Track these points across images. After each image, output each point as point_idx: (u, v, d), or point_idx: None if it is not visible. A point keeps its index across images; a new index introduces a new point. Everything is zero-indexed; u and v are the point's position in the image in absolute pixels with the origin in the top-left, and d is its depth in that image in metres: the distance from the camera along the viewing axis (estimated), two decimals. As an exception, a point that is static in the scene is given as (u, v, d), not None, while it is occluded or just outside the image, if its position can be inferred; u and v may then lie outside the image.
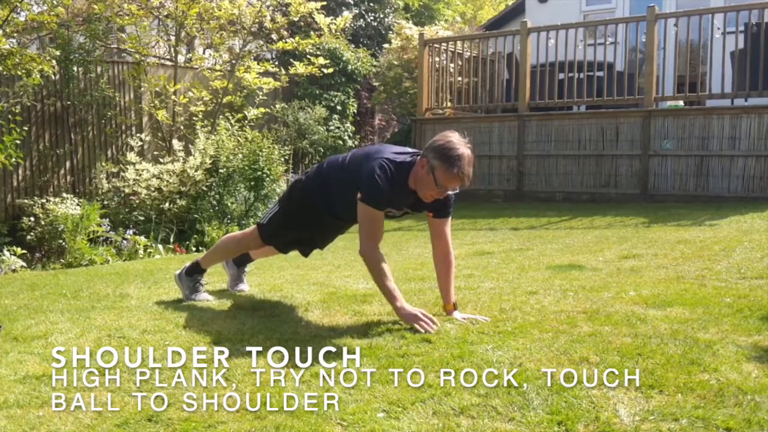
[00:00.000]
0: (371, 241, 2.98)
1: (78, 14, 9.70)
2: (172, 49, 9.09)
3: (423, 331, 2.84)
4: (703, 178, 7.84)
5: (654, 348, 2.58)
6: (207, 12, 8.71)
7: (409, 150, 3.09)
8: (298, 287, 3.95)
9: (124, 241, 7.13)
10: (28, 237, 7.02)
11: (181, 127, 9.05)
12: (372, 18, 13.06)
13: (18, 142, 6.49)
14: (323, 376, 2.43)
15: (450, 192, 2.96)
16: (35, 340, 3.03)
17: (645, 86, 8.28)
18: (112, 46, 9.12)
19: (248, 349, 2.80)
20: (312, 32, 9.99)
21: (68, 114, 8.20)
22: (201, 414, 2.18)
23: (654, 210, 7.24)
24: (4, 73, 7.01)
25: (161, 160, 8.34)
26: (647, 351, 2.55)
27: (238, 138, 8.62)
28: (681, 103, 8.30)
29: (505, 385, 2.28)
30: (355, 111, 12.01)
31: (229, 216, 8.09)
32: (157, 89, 8.82)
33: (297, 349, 2.75)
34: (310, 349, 2.76)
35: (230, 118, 8.88)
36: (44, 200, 7.34)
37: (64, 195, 7.48)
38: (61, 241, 6.85)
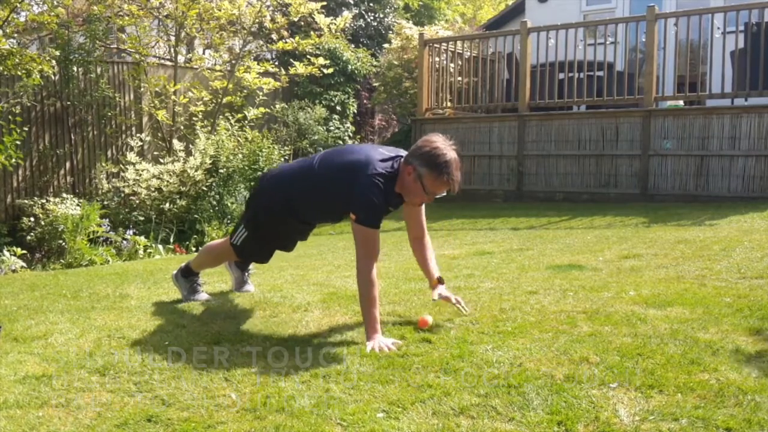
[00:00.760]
0: (370, 260, 2.86)
1: (78, 14, 9.71)
2: (172, 50, 9.09)
3: (382, 352, 2.67)
4: (703, 178, 7.83)
5: (654, 348, 2.58)
6: (207, 12, 8.72)
7: (390, 154, 2.96)
8: (298, 287, 3.95)
9: (124, 242, 7.13)
10: (28, 237, 7.03)
11: (181, 127, 9.05)
12: (372, 18, 13.06)
13: (18, 142, 6.50)
14: (323, 376, 2.43)
15: (438, 195, 2.92)
16: (35, 340, 3.03)
17: (645, 86, 8.28)
18: (112, 46, 9.13)
19: (248, 349, 2.80)
20: (312, 32, 9.99)
21: (68, 114, 8.20)
22: (201, 414, 2.18)
23: (654, 210, 7.24)
24: (4, 73, 7.01)
25: (161, 160, 8.35)
26: (647, 351, 2.55)
27: (238, 138, 8.62)
28: (681, 102, 8.30)
29: (505, 385, 2.28)
30: (355, 111, 12.01)
31: (229, 216, 8.09)
32: (157, 89, 8.82)
33: (297, 349, 2.76)
34: (309, 349, 2.76)
35: (230, 118, 8.88)
36: (44, 200, 7.34)
37: (64, 195, 7.49)
38: (61, 241, 6.86)
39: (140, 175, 7.86)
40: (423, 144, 2.85)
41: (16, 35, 7.91)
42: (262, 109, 9.30)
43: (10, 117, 6.81)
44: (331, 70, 10.01)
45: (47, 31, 8.31)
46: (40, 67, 7.05)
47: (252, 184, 8.22)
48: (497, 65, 9.96)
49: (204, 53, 10.31)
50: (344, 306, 3.43)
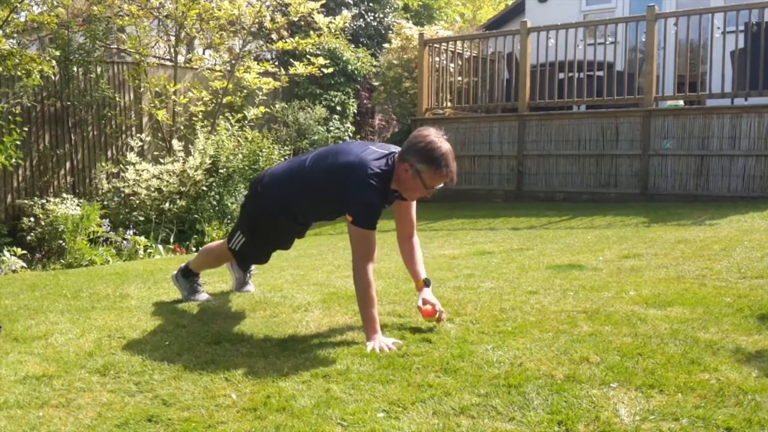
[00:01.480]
0: (366, 261, 2.85)
1: (78, 15, 9.71)
2: (172, 50, 9.09)
3: (382, 352, 2.67)
4: (703, 178, 7.83)
5: (654, 348, 2.58)
6: (207, 12, 8.72)
7: (382, 152, 2.93)
8: (298, 287, 3.95)
9: (124, 242, 7.13)
10: (29, 237, 7.03)
11: (181, 128, 9.05)
12: (372, 18, 13.06)
13: (18, 142, 6.50)
14: (323, 376, 2.43)
15: (437, 187, 2.91)
16: (35, 340, 3.03)
17: (645, 86, 8.28)
18: (112, 46, 9.13)
19: (248, 349, 2.80)
20: (312, 32, 9.99)
21: (68, 114, 8.20)
22: (201, 414, 2.18)
23: (654, 209, 7.24)
24: (4, 73, 7.01)
25: (161, 160, 8.35)
26: (647, 351, 2.55)
27: (238, 138, 8.62)
28: (681, 102, 8.30)
29: (506, 384, 2.27)
30: (355, 111, 12.01)
31: (229, 216, 8.10)
32: (157, 89, 8.82)
33: (297, 349, 2.76)
34: (310, 349, 2.76)
35: (230, 118, 8.88)
36: (44, 201, 7.34)
37: (64, 195, 7.49)
38: (61, 241, 6.86)
39: (140, 175, 7.86)
40: (416, 139, 2.83)
41: (15, 35, 7.91)
42: (262, 108, 9.29)
43: (10, 117, 6.81)
44: (330, 70, 10.01)
45: (47, 31, 8.31)
46: (40, 67, 7.05)
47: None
48: (497, 65, 9.96)
49: (204, 53, 10.31)
50: (344, 306, 3.43)
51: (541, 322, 3.00)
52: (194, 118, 8.95)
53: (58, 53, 7.67)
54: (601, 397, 2.15)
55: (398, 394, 2.25)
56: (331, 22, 9.79)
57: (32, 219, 7.17)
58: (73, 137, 8.25)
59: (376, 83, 12.16)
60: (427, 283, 3.09)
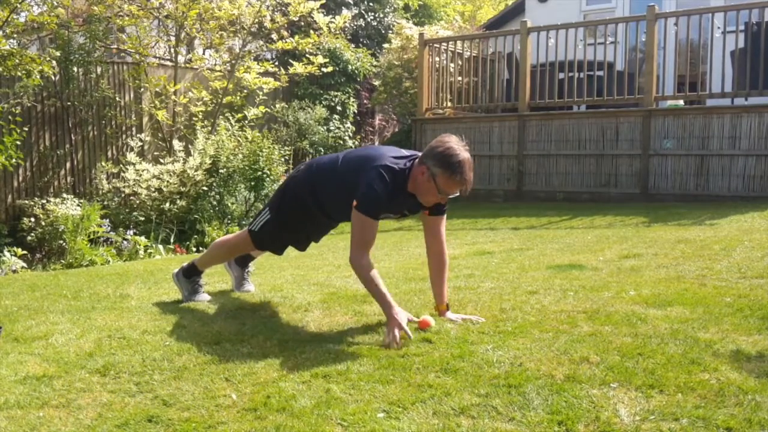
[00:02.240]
0: (362, 249, 2.92)
1: (78, 15, 9.71)
2: (172, 50, 9.09)
3: (392, 345, 2.70)
4: (704, 178, 7.83)
5: (654, 348, 2.58)
6: (207, 12, 8.71)
7: (406, 153, 3.03)
8: (298, 288, 3.95)
9: (125, 242, 7.13)
10: (29, 238, 7.02)
11: (182, 128, 9.05)
12: (372, 18, 13.05)
13: (18, 142, 6.50)
14: (323, 377, 2.43)
15: (451, 196, 2.95)
16: (36, 340, 3.03)
17: (645, 86, 8.28)
18: (112, 46, 9.12)
19: (248, 349, 2.80)
20: (312, 32, 9.98)
21: (68, 114, 8.20)
22: (201, 414, 2.18)
23: (654, 209, 7.24)
24: (5, 74, 7.01)
25: (161, 160, 8.35)
26: (647, 351, 2.55)
27: (239, 138, 8.62)
28: (681, 102, 8.30)
29: (506, 384, 2.28)
30: (356, 111, 12.01)
31: (229, 216, 8.09)
32: (157, 89, 8.82)
33: (297, 350, 2.76)
34: (310, 349, 2.76)
35: (230, 118, 8.88)
36: (44, 201, 7.34)
37: (65, 195, 7.48)
38: (61, 241, 6.86)
39: (140, 175, 7.86)
40: (437, 144, 2.88)
41: (16, 36, 7.91)
42: (262, 108, 9.29)
43: (10, 117, 6.81)
44: (330, 69, 10.00)
45: (47, 31, 8.31)
46: (40, 67, 7.05)
47: (252, 184, 8.22)
48: (497, 65, 9.96)
49: (204, 53, 10.31)
50: (344, 306, 3.43)
51: (541, 322, 3.00)
52: (194, 118, 8.95)
53: (58, 53, 7.67)
54: (601, 397, 2.15)
55: (398, 394, 2.25)
56: (331, 22, 9.79)
57: (32, 219, 7.17)
58: (73, 137, 8.25)
59: (376, 83, 12.16)
60: (448, 307, 3.14)
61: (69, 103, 8.13)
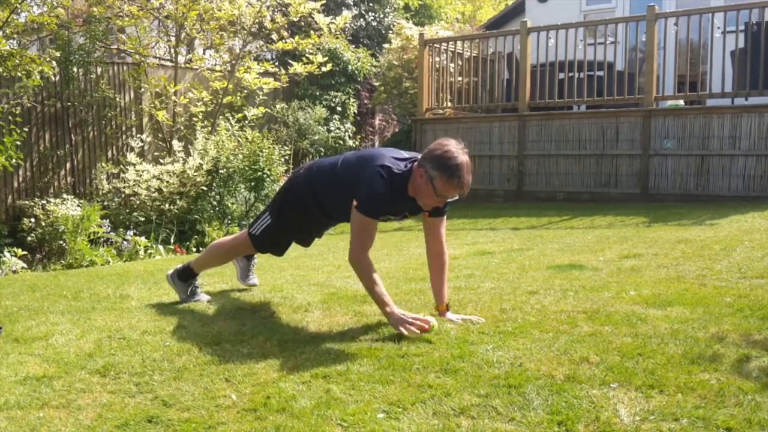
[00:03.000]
0: (362, 249, 2.93)
1: (78, 15, 9.71)
2: (172, 50, 9.09)
3: (413, 334, 2.76)
4: (704, 178, 7.83)
5: (654, 348, 2.58)
6: (207, 13, 8.71)
7: (406, 155, 3.03)
8: (298, 288, 3.95)
9: (125, 242, 7.13)
10: (29, 238, 7.03)
11: (182, 128, 9.05)
12: (372, 18, 13.05)
13: (18, 143, 6.50)
14: (323, 377, 2.43)
15: (450, 199, 2.95)
16: (36, 341, 3.03)
17: (645, 86, 8.28)
18: (112, 47, 9.13)
19: (248, 349, 2.80)
20: (312, 32, 9.99)
21: (68, 115, 8.20)
22: (201, 415, 2.18)
23: (654, 209, 7.24)
24: (5, 74, 7.02)
25: (161, 160, 8.35)
26: (648, 351, 2.55)
27: (239, 138, 8.62)
28: (681, 102, 8.30)
29: (506, 385, 2.27)
30: (356, 111, 12.01)
31: (229, 216, 8.09)
32: (157, 90, 8.82)
33: (297, 350, 2.76)
34: (310, 349, 2.76)
35: (230, 118, 8.88)
36: (45, 201, 7.34)
37: (65, 196, 7.48)
38: (61, 242, 6.86)
39: (140, 175, 7.86)
40: (435, 147, 2.88)
41: (16, 36, 7.91)
42: (262, 109, 9.29)
43: (10, 118, 6.82)
44: (329, 68, 10.00)
45: (47, 32, 8.31)
46: (40, 68, 7.05)
47: (252, 184, 8.22)
48: (497, 65, 9.96)
49: (204, 54, 10.31)
50: (345, 306, 3.43)
51: (542, 322, 3.00)
52: (194, 119, 8.95)
53: (58, 54, 7.67)
54: (601, 398, 2.15)
55: (398, 395, 2.25)
56: (331, 23, 9.79)
57: (32, 220, 7.17)
58: (73, 138, 8.25)
59: (376, 83, 12.16)
60: (448, 307, 3.14)
61: (69, 104, 8.13)
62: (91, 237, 7.00)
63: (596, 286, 3.64)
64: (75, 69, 7.99)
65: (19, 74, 7.00)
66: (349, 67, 11.42)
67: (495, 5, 21.18)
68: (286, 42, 9.44)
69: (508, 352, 2.60)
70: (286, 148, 9.50)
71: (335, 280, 4.21)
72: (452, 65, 10.03)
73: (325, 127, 10.75)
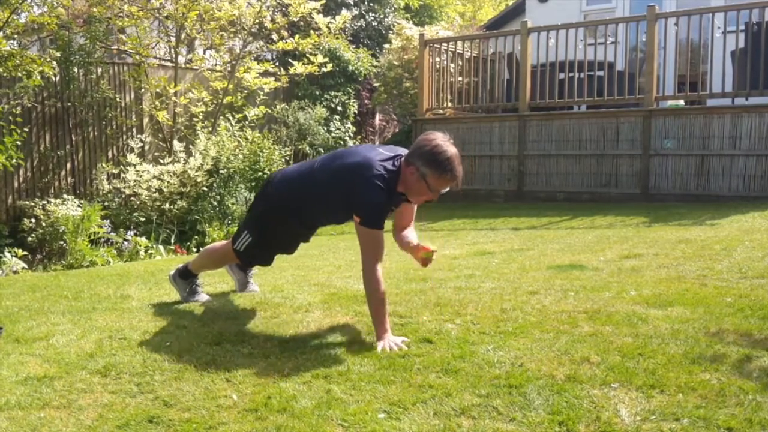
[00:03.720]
0: (375, 262, 2.87)
1: (78, 16, 9.71)
2: (173, 50, 9.09)
3: (391, 348, 2.70)
4: (704, 178, 7.83)
5: (655, 348, 2.58)
6: (207, 13, 8.72)
7: (390, 154, 2.95)
8: (299, 288, 3.95)
9: (125, 242, 7.13)
10: (29, 238, 7.03)
11: (182, 128, 9.05)
12: (372, 18, 13.05)
13: (18, 143, 6.50)
14: (324, 377, 2.43)
15: (443, 191, 2.92)
16: (36, 341, 3.04)
17: (645, 86, 8.28)
18: (112, 47, 9.13)
19: (249, 350, 2.80)
20: (312, 32, 9.99)
21: (69, 115, 8.20)
22: (202, 415, 2.18)
23: (655, 209, 7.23)
24: (5, 74, 7.02)
25: (162, 161, 8.35)
26: (648, 351, 2.55)
27: (239, 139, 8.62)
28: (682, 102, 8.29)
29: (506, 385, 2.27)
30: (356, 111, 12.00)
31: (230, 217, 8.09)
32: (157, 90, 8.82)
33: (298, 350, 2.76)
34: (310, 349, 2.76)
35: (230, 118, 8.88)
36: (45, 202, 7.34)
37: (65, 196, 7.48)
38: (62, 242, 6.86)
39: (141, 176, 7.87)
40: (423, 143, 2.84)
41: (16, 36, 7.91)
42: (262, 109, 9.29)
43: (10, 118, 6.82)
44: (330, 67, 10.01)
45: (48, 32, 8.31)
46: (40, 68, 7.05)
47: (253, 184, 8.22)
48: (497, 65, 9.96)
49: (204, 54, 10.31)
50: (345, 306, 3.43)
51: (542, 322, 3.00)
52: (195, 119, 8.95)
53: (58, 54, 7.67)
54: (601, 398, 2.15)
55: (399, 395, 2.25)
56: (330, 22, 9.79)
57: (33, 220, 7.17)
58: (73, 138, 8.25)
59: (376, 83, 12.17)
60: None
61: (69, 104, 8.13)
62: (92, 237, 7.01)
63: (597, 286, 3.64)
64: (75, 69, 7.99)
65: (19, 74, 7.00)
66: (350, 67, 11.42)
67: (495, 5, 21.18)
68: (286, 42, 9.45)
69: (508, 352, 2.60)
70: (286, 148, 9.51)
71: (336, 280, 4.21)
72: (452, 65, 10.03)
73: (326, 128, 10.75)
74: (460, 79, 10.04)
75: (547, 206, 8.27)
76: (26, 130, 7.16)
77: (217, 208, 8.07)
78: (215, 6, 8.79)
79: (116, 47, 9.22)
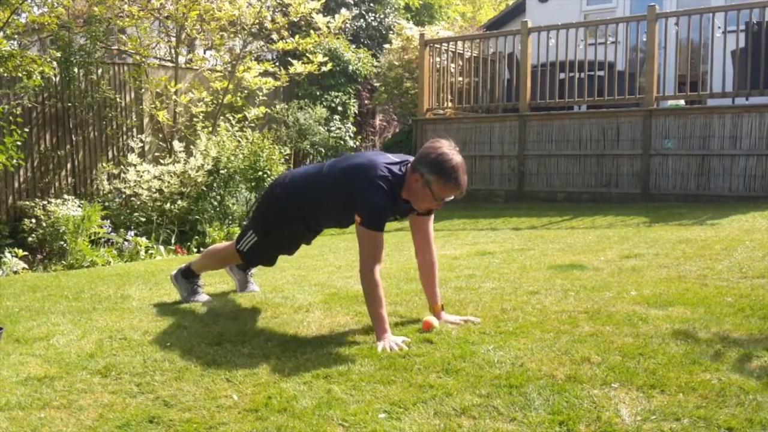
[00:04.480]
0: (373, 263, 2.87)
1: (78, 16, 9.71)
2: (173, 50, 9.09)
3: (391, 348, 2.69)
4: (705, 178, 7.83)
5: (655, 348, 2.58)
6: (207, 13, 8.71)
7: (396, 159, 2.97)
8: (299, 288, 3.95)
9: (126, 243, 7.12)
10: (30, 239, 7.02)
11: (182, 128, 9.05)
12: (372, 18, 13.05)
13: (19, 143, 6.49)
14: (324, 377, 2.43)
15: (447, 200, 2.93)
16: (37, 341, 3.04)
17: (646, 85, 8.27)
18: (112, 47, 9.13)
19: (249, 350, 2.80)
20: (312, 32, 9.99)
21: (69, 115, 8.20)
22: (202, 415, 2.18)
23: (655, 209, 7.23)
24: (5, 74, 7.02)
25: (162, 161, 8.35)
26: (649, 351, 2.55)
27: (239, 139, 8.62)
28: (682, 102, 8.29)
29: (507, 385, 2.27)
30: (356, 111, 12.00)
31: (230, 217, 8.09)
32: (157, 90, 8.82)
33: (298, 350, 2.76)
34: (311, 349, 2.76)
35: (231, 118, 8.88)
36: (45, 202, 7.34)
37: (66, 196, 7.48)
38: (62, 242, 6.85)
39: (141, 176, 7.87)
40: (428, 150, 2.85)
41: (16, 37, 7.91)
42: (262, 109, 9.29)
43: (10, 118, 6.82)
44: (330, 67, 10.01)
45: (48, 32, 8.31)
46: (40, 68, 7.05)
47: (253, 184, 8.22)
48: (498, 65, 9.95)
49: (205, 54, 10.30)
50: (345, 306, 3.43)
51: (543, 322, 3.00)
52: (195, 119, 8.95)
53: (58, 54, 7.67)
54: (602, 398, 2.15)
55: (399, 395, 2.25)
56: (330, 22, 9.79)
57: (33, 220, 7.17)
58: (74, 138, 8.25)
59: (376, 84, 12.17)
60: (443, 307, 3.12)
61: (69, 104, 8.13)
62: (92, 237, 7.00)
63: (597, 286, 3.64)
64: (75, 69, 7.99)
65: (19, 75, 7.00)
66: (350, 67, 11.42)
67: (495, 5, 21.18)
68: (286, 42, 9.44)
69: (509, 352, 2.60)
70: (286, 148, 9.50)
71: (336, 280, 4.21)
72: (453, 65, 10.02)
73: (326, 128, 10.75)
74: (460, 79, 10.04)
75: (547, 206, 8.27)
76: (26, 130, 7.16)
77: (218, 208, 8.07)
78: (215, 6, 8.79)
79: (116, 47, 9.22)
